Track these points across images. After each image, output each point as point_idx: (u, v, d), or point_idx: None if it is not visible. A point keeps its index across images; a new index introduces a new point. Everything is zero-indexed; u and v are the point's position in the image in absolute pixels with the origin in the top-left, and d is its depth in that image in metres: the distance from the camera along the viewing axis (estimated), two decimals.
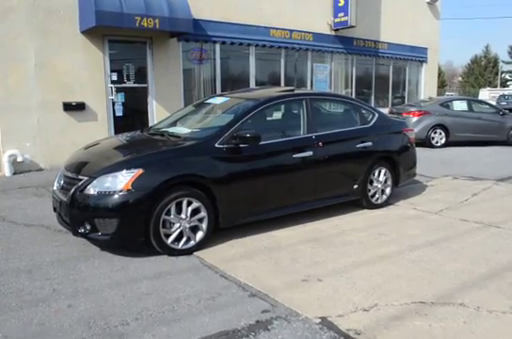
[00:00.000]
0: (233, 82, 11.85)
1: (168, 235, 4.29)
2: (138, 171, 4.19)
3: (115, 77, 9.57)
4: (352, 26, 13.18)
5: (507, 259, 4.28)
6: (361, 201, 6.00)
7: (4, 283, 3.73)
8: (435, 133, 12.66)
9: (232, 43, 11.48)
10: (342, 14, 13.20)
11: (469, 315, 3.20)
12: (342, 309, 3.29)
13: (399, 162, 6.29)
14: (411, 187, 7.26)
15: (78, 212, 4.23)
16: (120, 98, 9.62)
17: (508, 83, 62.85)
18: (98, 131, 9.15)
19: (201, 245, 4.49)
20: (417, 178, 7.30)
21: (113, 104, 9.59)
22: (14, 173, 8.40)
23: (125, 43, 9.80)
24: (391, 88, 16.20)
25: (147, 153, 4.54)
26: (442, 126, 12.70)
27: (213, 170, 4.53)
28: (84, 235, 4.26)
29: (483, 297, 3.50)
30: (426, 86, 17.41)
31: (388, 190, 6.23)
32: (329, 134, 5.60)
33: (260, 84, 12.07)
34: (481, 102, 15.16)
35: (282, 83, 12.81)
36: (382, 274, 3.93)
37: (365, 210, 6.01)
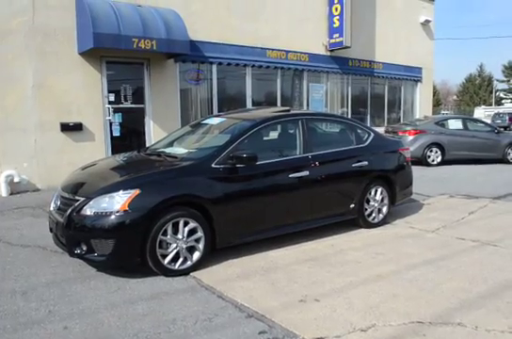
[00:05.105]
0: (230, 102, 11.94)
1: (164, 256, 4.27)
2: (135, 192, 4.19)
3: (112, 98, 9.64)
4: (347, 47, 13.37)
5: (505, 278, 4.28)
6: (358, 220, 6.00)
7: None
8: (431, 151, 12.74)
9: (229, 64, 11.60)
10: (337, 35, 13.41)
11: (467, 335, 3.18)
12: (339, 329, 3.27)
13: (395, 181, 6.32)
14: (408, 206, 7.27)
15: (74, 233, 4.22)
16: (117, 118, 9.68)
17: (503, 101, 63.42)
18: (95, 151, 9.20)
19: (198, 265, 4.47)
20: (413, 197, 7.32)
21: (110, 124, 9.65)
22: (11, 194, 8.39)
23: (123, 64, 9.89)
24: (386, 108, 16.35)
25: (144, 174, 4.55)
26: (438, 145, 12.79)
27: (209, 191, 4.54)
28: (80, 256, 4.24)
29: (481, 316, 3.48)
30: (421, 105, 17.58)
31: (384, 209, 6.24)
32: (325, 153, 5.64)
33: (256, 104, 12.17)
34: (476, 120, 15.28)
35: (279, 103, 12.91)
36: (380, 294, 3.91)
37: (361, 229, 6.01)
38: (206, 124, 6.22)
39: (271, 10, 12.33)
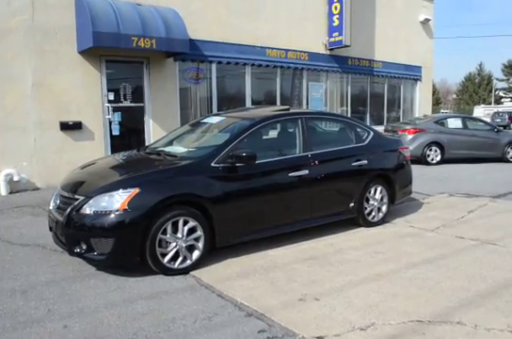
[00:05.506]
0: (230, 101, 11.94)
1: (164, 255, 4.27)
2: (135, 191, 4.19)
3: (112, 97, 9.63)
4: (347, 46, 13.35)
5: (504, 276, 4.28)
6: (358, 219, 6.00)
7: None
8: (430, 150, 12.74)
9: (229, 63, 11.59)
10: (336, 34, 13.39)
11: (467, 334, 3.19)
12: (339, 328, 3.28)
13: (395, 180, 6.32)
14: (407, 205, 7.27)
15: (74, 231, 4.22)
16: (116, 117, 9.66)
17: (502, 100, 63.44)
18: (94, 150, 9.19)
19: (198, 264, 4.47)
20: (413, 195, 7.32)
21: (110, 123, 9.63)
22: (10, 192, 8.38)
23: (122, 63, 9.87)
24: (386, 106, 16.34)
25: (143, 173, 4.55)
26: (438, 144, 12.79)
27: (209, 190, 4.54)
28: (80, 255, 4.24)
29: (480, 315, 3.49)
30: (421, 103, 17.57)
31: (384, 208, 6.24)
32: (325, 152, 5.64)
33: (256, 103, 12.16)
34: (475, 119, 15.27)
35: (278, 102, 12.89)
36: (379, 292, 3.92)
37: (361, 228, 6.01)
38: (206, 123, 6.21)
39: (271, 9, 12.31)
